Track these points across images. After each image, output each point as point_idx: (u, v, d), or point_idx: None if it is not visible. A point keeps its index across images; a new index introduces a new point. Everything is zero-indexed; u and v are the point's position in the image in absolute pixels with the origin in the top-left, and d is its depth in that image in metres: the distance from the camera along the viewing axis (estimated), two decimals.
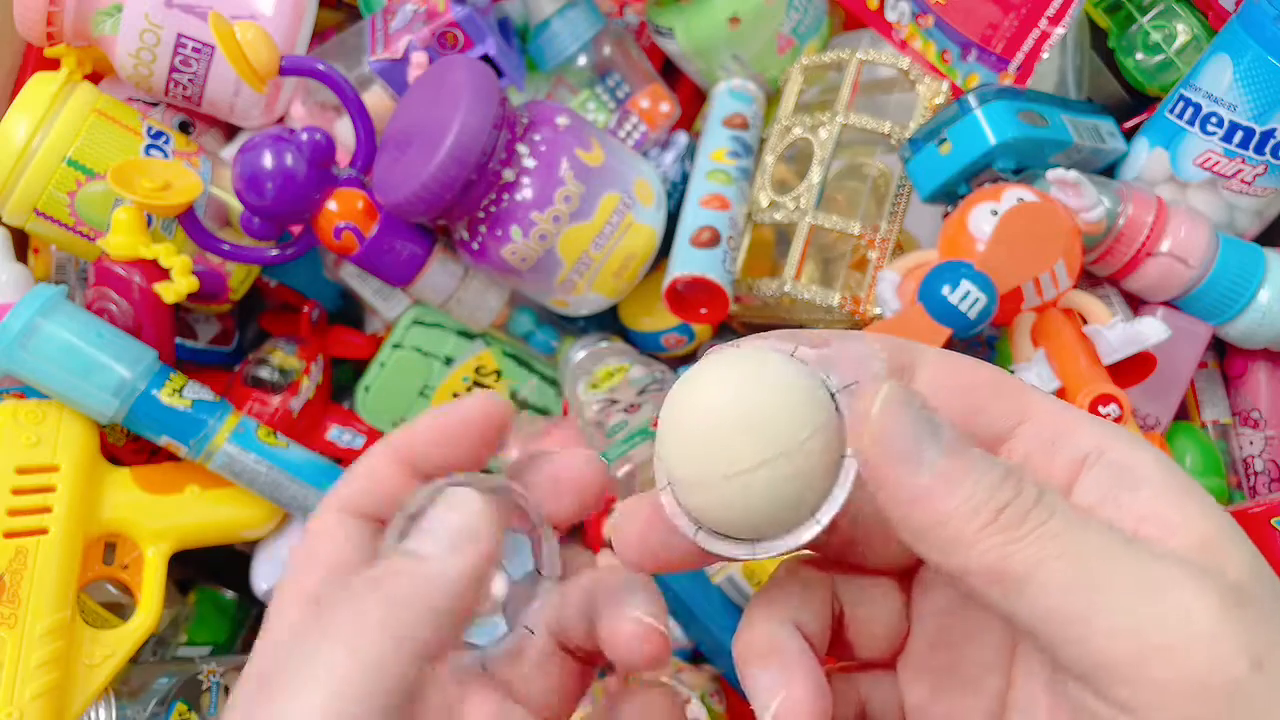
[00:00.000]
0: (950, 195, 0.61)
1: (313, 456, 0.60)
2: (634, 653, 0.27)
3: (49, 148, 0.56)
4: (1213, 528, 0.23)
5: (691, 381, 0.25)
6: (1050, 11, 0.61)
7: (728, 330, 0.68)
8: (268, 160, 0.55)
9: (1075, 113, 0.62)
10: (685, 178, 0.66)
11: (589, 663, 0.29)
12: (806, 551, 0.27)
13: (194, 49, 0.59)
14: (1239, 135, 0.59)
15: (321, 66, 0.57)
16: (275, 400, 0.62)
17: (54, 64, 0.60)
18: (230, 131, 0.68)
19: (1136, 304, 0.63)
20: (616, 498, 0.58)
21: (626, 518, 0.27)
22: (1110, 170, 0.66)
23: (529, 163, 0.57)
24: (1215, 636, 0.21)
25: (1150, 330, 0.55)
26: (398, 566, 0.25)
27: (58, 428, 0.56)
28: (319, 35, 0.68)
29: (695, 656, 0.62)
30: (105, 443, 0.59)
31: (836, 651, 0.29)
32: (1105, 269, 0.62)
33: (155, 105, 0.65)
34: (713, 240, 0.61)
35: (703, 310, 0.63)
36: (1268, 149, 0.59)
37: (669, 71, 0.71)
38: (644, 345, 0.67)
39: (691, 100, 0.70)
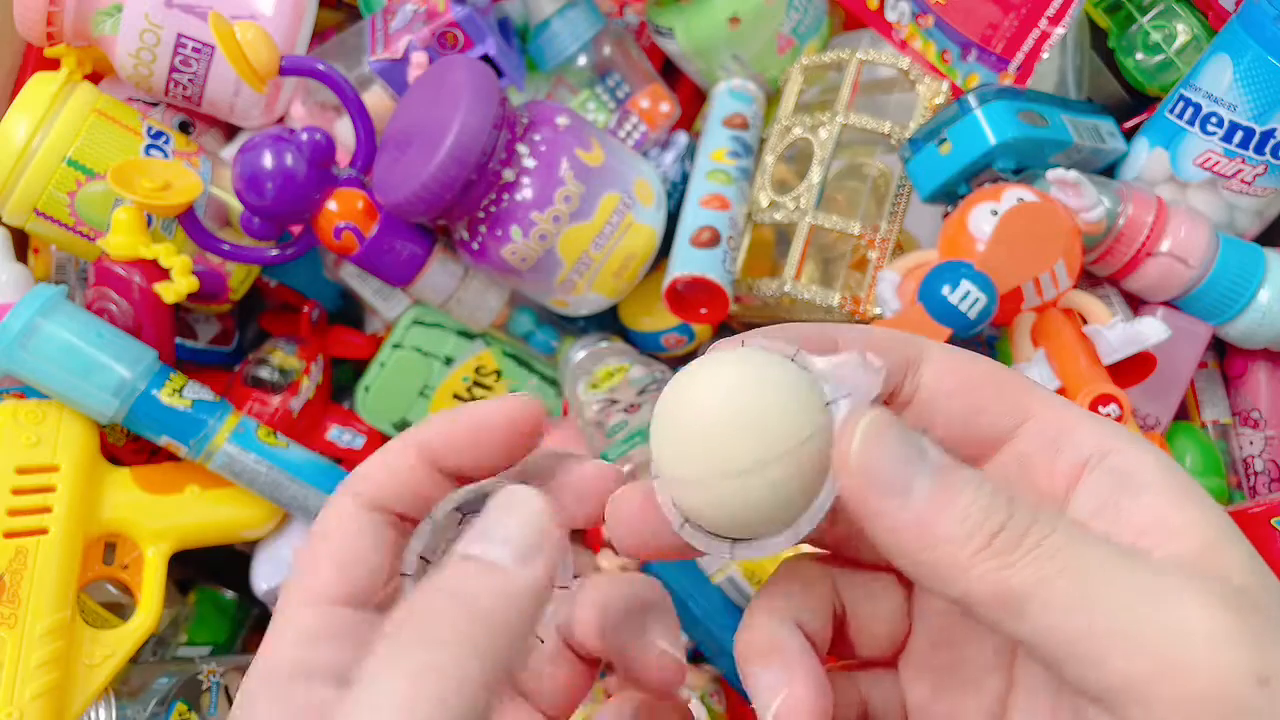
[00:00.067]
0: (950, 195, 0.61)
1: (313, 456, 0.60)
2: (655, 680, 0.27)
3: (49, 148, 0.56)
4: (1214, 532, 0.23)
5: (687, 379, 0.24)
6: (1050, 11, 0.61)
7: (728, 330, 0.68)
8: (268, 160, 0.55)
9: (1075, 113, 0.62)
10: (685, 178, 0.66)
11: (594, 663, 0.29)
12: (807, 547, 0.27)
13: (194, 49, 0.59)
14: (1239, 135, 0.59)
15: (321, 66, 0.57)
16: (275, 400, 0.62)
17: (54, 64, 0.60)
18: (230, 131, 0.68)
19: (1136, 304, 0.63)
20: None
21: (621, 504, 0.27)
22: (1110, 170, 0.66)
23: (529, 163, 0.57)
24: (1219, 652, 0.20)
25: (1150, 330, 0.55)
26: (467, 576, 0.23)
27: (58, 428, 0.56)
28: (319, 35, 0.68)
29: (695, 656, 0.62)
30: (105, 443, 0.59)
31: (838, 649, 0.29)
32: (1105, 269, 0.62)
33: (155, 105, 0.65)
34: (713, 240, 0.61)
35: (703, 310, 0.63)
36: (1268, 149, 0.59)
37: (669, 71, 0.71)
38: (644, 345, 0.67)
39: (691, 100, 0.70)
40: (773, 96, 0.69)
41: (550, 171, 0.57)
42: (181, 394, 0.57)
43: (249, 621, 0.69)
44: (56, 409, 0.56)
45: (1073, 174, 0.56)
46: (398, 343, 0.65)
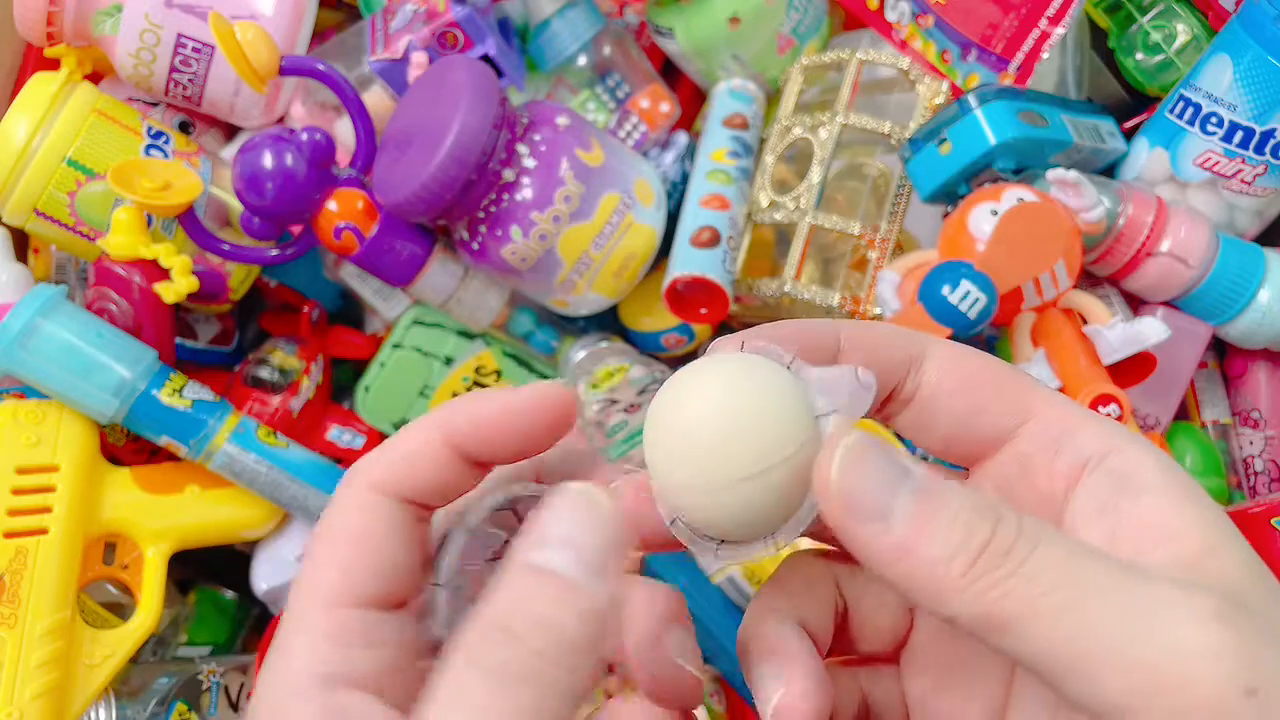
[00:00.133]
0: (950, 195, 0.61)
1: (313, 456, 0.60)
2: (675, 697, 0.26)
3: (49, 148, 0.56)
4: (1214, 535, 0.23)
5: (680, 385, 0.25)
6: (1050, 11, 0.61)
7: (728, 330, 0.67)
8: (268, 160, 0.55)
9: (1075, 113, 0.62)
10: (685, 178, 0.66)
11: (609, 668, 0.29)
12: (808, 543, 0.27)
13: (194, 49, 0.59)
14: (1239, 135, 0.59)
15: (321, 66, 0.57)
16: (275, 400, 0.62)
17: (54, 64, 0.60)
18: (230, 131, 0.68)
19: (1136, 304, 0.63)
20: None
21: (619, 495, 0.27)
22: (1110, 170, 0.66)
23: (529, 163, 0.57)
24: (1209, 665, 0.20)
25: (1150, 330, 0.55)
26: (537, 593, 0.21)
27: (58, 428, 0.56)
28: (319, 35, 0.68)
29: None
30: (105, 443, 0.59)
31: (840, 645, 0.29)
32: (1105, 269, 0.62)
33: (155, 105, 0.65)
34: (713, 240, 0.61)
35: (703, 310, 0.63)
36: (1268, 149, 0.59)
37: (669, 71, 0.71)
38: (644, 345, 0.67)
39: (691, 100, 0.70)
40: (773, 96, 0.69)
41: (550, 171, 0.57)
42: (181, 394, 0.57)
43: (249, 621, 0.69)
44: (56, 409, 0.56)
45: (1073, 174, 0.56)
46: (398, 343, 0.65)
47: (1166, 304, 0.62)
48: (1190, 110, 0.61)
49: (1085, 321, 0.57)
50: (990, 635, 0.22)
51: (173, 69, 0.60)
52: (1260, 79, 0.58)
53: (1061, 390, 0.54)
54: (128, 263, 0.57)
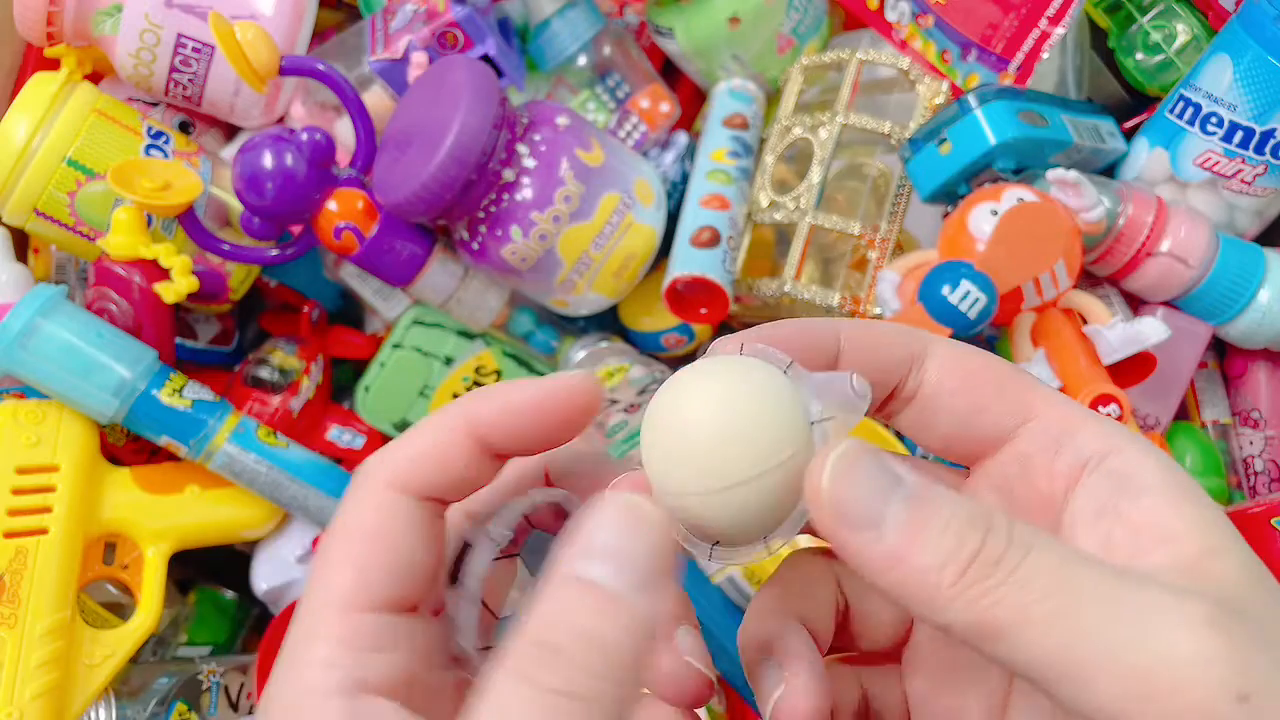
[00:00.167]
0: (950, 195, 0.61)
1: (313, 456, 0.60)
2: (682, 696, 0.26)
3: (49, 148, 0.56)
4: (1213, 537, 0.23)
5: (676, 389, 0.25)
6: (1050, 11, 0.61)
7: (728, 330, 0.68)
8: (268, 160, 0.55)
9: (1075, 113, 0.62)
10: (685, 178, 0.66)
11: None
12: (808, 541, 0.27)
13: (194, 49, 0.59)
14: (1239, 135, 0.59)
15: (321, 66, 0.57)
16: (275, 400, 0.62)
17: (54, 64, 0.60)
18: (230, 131, 0.68)
19: (1136, 304, 0.63)
20: None
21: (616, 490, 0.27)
22: (1110, 170, 0.66)
23: (529, 163, 0.57)
24: (1201, 671, 0.20)
25: (1150, 330, 0.55)
26: (584, 606, 0.20)
27: (58, 428, 0.56)
28: (319, 35, 0.68)
29: None
30: (105, 443, 0.59)
31: (841, 642, 0.29)
32: (1105, 269, 0.62)
33: (155, 105, 0.65)
34: (713, 240, 0.61)
35: (703, 310, 0.63)
36: (1268, 149, 0.59)
37: (669, 71, 0.71)
38: (644, 345, 0.67)
39: (691, 100, 0.70)
40: (773, 96, 0.69)
41: (550, 171, 0.57)
42: (181, 394, 0.57)
43: (249, 621, 0.69)
44: (56, 409, 0.56)
45: (1073, 174, 0.56)
46: (398, 343, 0.65)
47: (1166, 304, 0.62)
48: (1190, 110, 0.61)
49: (1085, 321, 0.57)
50: (984, 643, 0.21)
51: (173, 69, 0.60)
52: (1260, 79, 0.58)
53: (1061, 390, 0.54)
54: (128, 263, 0.57)
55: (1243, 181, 0.60)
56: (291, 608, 0.60)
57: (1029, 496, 0.25)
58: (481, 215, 0.58)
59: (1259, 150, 0.59)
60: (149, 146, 0.59)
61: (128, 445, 0.61)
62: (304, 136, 0.56)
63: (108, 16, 0.59)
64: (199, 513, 0.59)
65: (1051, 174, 0.57)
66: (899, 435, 0.61)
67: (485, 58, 0.60)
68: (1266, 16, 0.57)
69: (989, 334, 0.63)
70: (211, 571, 0.68)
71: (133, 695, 0.57)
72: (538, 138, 0.58)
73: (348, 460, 0.65)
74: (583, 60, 0.66)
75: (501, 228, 0.58)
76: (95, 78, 0.64)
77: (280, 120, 0.66)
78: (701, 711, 0.58)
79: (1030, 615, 0.21)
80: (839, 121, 0.62)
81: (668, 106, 0.67)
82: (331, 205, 0.57)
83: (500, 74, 0.60)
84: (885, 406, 0.27)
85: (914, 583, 0.22)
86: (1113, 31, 0.66)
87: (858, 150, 0.66)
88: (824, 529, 0.23)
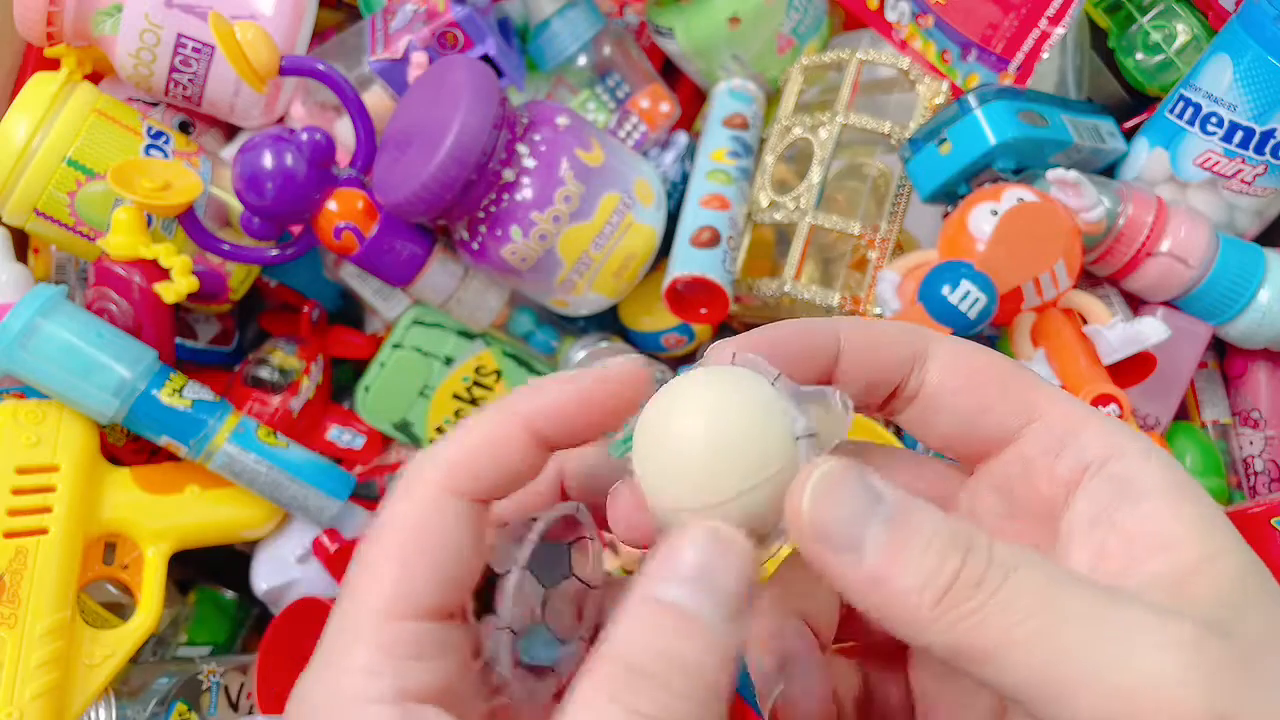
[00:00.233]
0: (950, 195, 0.61)
1: (313, 456, 0.60)
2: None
3: (49, 148, 0.56)
4: (1213, 542, 0.23)
5: (667, 399, 0.25)
6: (1050, 11, 0.61)
7: (728, 330, 0.68)
8: (268, 160, 0.55)
9: (1075, 113, 0.62)
10: (685, 178, 0.66)
11: None
12: None
13: (194, 49, 0.59)
14: (1239, 135, 0.59)
15: (321, 66, 0.57)
16: (275, 400, 0.62)
17: (54, 64, 0.60)
18: (230, 131, 0.68)
19: (1136, 304, 0.63)
20: None
21: (618, 498, 0.27)
22: (1110, 170, 0.66)
23: (529, 163, 0.57)
24: (1181, 692, 0.20)
25: (1150, 330, 0.55)
26: (673, 631, 0.21)
27: (58, 428, 0.56)
28: (319, 35, 0.68)
29: None
30: (105, 443, 0.59)
31: (846, 634, 0.29)
32: (1105, 269, 0.62)
33: (155, 105, 0.65)
34: (713, 240, 0.61)
35: (703, 310, 0.63)
36: (1268, 149, 0.59)
37: (669, 71, 0.71)
38: (644, 345, 0.67)
39: (691, 100, 0.70)
40: (773, 96, 0.69)
41: (550, 171, 0.57)
42: (181, 394, 0.57)
43: (249, 621, 0.69)
44: (56, 409, 0.56)
45: (1073, 174, 0.56)
46: (398, 343, 0.65)
47: (1166, 304, 0.62)
48: (1190, 110, 0.61)
49: (1085, 321, 0.57)
50: (967, 665, 0.21)
51: (173, 69, 0.60)
52: (1260, 79, 0.58)
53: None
54: (128, 263, 0.57)
55: (1243, 181, 0.60)
56: (292, 607, 0.60)
57: (1029, 499, 0.25)
58: (481, 215, 0.58)
59: (1259, 150, 0.59)
60: (149, 146, 0.59)
61: (128, 445, 0.61)
62: (304, 136, 0.56)
63: (108, 16, 0.59)
64: (199, 513, 0.59)
65: (1051, 174, 0.57)
66: (898, 431, 0.61)
67: (485, 58, 0.60)
68: (1266, 16, 0.57)
69: (989, 334, 0.63)
70: (211, 571, 0.68)
71: (133, 695, 0.57)
72: (538, 138, 0.58)
73: (348, 460, 0.65)
74: (583, 60, 0.66)
75: (501, 228, 0.58)
76: (95, 78, 0.64)
77: (280, 120, 0.66)
78: None
79: (1012, 637, 0.21)
80: (839, 121, 0.62)
81: (668, 106, 0.67)
82: (331, 205, 0.57)
83: (500, 74, 0.60)
84: (887, 405, 0.27)
85: (895, 605, 0.21)
86: (1113, 31, 0.66)
87: (858, 150, 0.66)
88: (805, 551, 0.23)
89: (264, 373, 0.63)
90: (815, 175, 0.62)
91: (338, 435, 0.65)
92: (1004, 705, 0.27)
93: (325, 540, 0.61)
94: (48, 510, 0.54)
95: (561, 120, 0.58)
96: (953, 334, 0.53)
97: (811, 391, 0.24)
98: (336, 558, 0.61)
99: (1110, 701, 0.20)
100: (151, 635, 0.57)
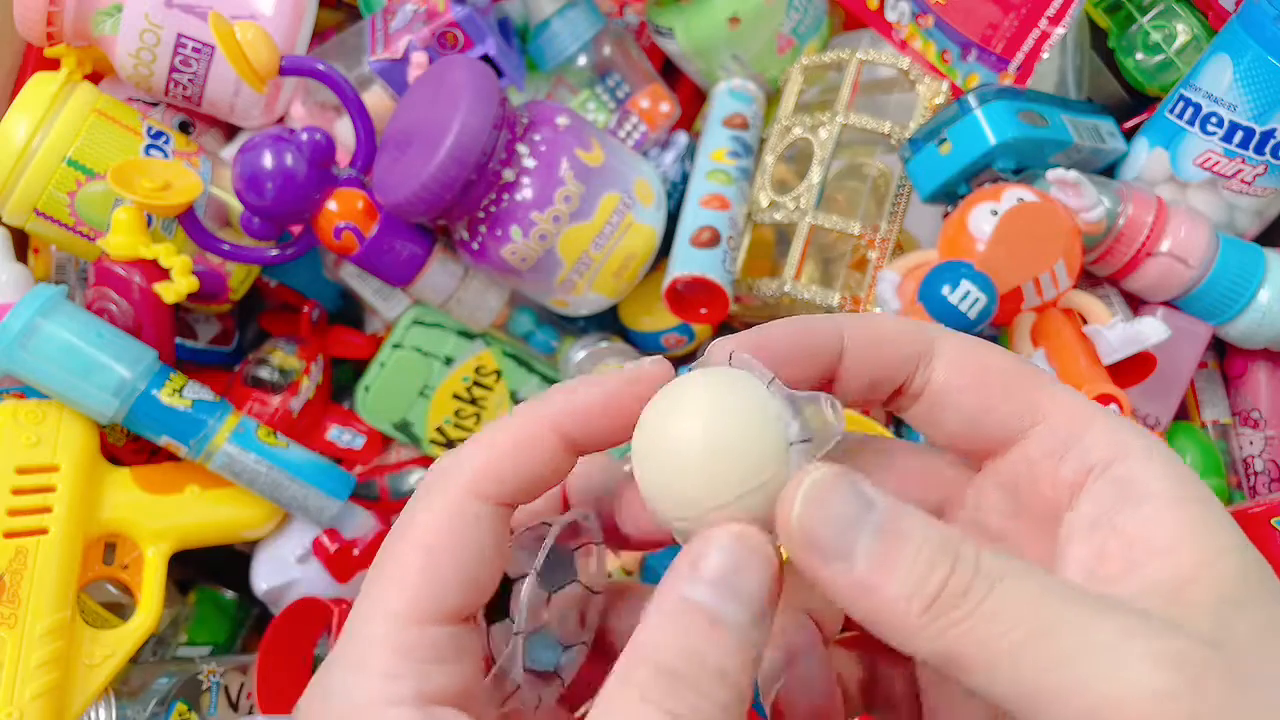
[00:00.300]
0: (950, 195, 0.61)
1: (313, 456, 0.60)
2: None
3: (49, 148, 0.56)
4: (1213, 544, 0.22)
5: (664, 402, 0.25)
6: (1050, 11, 0.61)
7: (728, 330, 0.67)
8: (268, 160, 0.55)
9: (1075, 113, 0.62)
10: (685, 178, 0.66)
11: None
12: None
13: (194, 49, 0.59)
14: (1239, 135, 0.59)
15: (321, 66, 0.57)
16: (275, 400, 0.62)
17: (54, 64, 0.60)
18: (230, 131, 0.68)
19: (1136, 304, 0.63)
20: None
21: (623, 498, 0.27)
22: (1110, 170, 0.66)
23: (529, 163, 0.57)
24: (1163, 704, 0.20)
25: (1150, 330, 0.55)
26: (699, 631, 0.21)
27: (58, 428, 0.56)
28: (319, 35, 0.68)
29: None
30: (105, 443, 0.59)
31: (851, 624, 0.29)
32: (1105, 269, 0.62)
33: (155, 105, 0.65)
34: (713, 240, 0.61)
35: (703, 310, 0.63)
36: (1268, 149, 0.59)
37: (669, 71, 0.71)
38: (644, 345, 0.67)
39: (691, 100, 0.70)
40: (773, 96, 0.69)
41: (550, 171, 0.57)
42: (181, 394, 0.57)
43: (249, 621, 0.69)
44: (56, 409, 0.56)
45: (1073, 174, 0.56)
46: (398, 343, 0.65)
47: (1166, 304, 0.62)
48: (1190, 110, 0.61)
49: (1085, 321, 0.57)
50: (957, 673, 0.21)
51: (173, 69, 0.60)
52: (1260, 79, 0.58)
53: None
54: (128, 263, 0.57)
55: (1243, 181, 0.60)
56: (292, 607, 0.60)
57: (1033, 500, 0.25)
58: (481, 215, 0.58)
59: (1259, 150, 0.59)
60: (149, 146, 0.59)
61: (128, 445, 0.61)
62: (304, 136, 0.56)
63: (108, 16, 0.59)
64: (199, 513, 0.59)
65: (1051, 174, 0.57)
66: (898, 428, 0.61)
67: (485, 58, 0.60)
68: (1266, 16, 0.57)
69: (989, 334, 0.63)
70: (211, 571, 0.68)
71: (133, 695, 0.57)
72: (538, 138, 0.58)
73: (348, 460, 0.65)
74: (583, 60, 0.66)
75: (501, 228, 0.58)
76: (95, 78, 0.64)
77: (280, 120, 0.66)
78: None
79: (998, 647, 0.21)
80: (839, 121, 0.62)
81: (668, 106, 0.67)
82: (331, 205, 0.57)
83: (500, 74, 0.60)
84: (892, 402, 0.27)
85: (885, 612, 0.21)
86: (1113, 31, 0.66)
87: (858, 150, 0.66)
88: (795, 558, 0.22)
89: (264, 373, 0.63)
90: (815, 175, 0.62)
91: (338, 435, 0.65)
92: None
93: (325, 540, 0.61)
94: (48, 510, 0.54)
95: (561, 120, 0.58)
96: None
97: (805, 396, 0.24)
98: (336, 558, 0.61)
99: (1096, 712, 0.20)
100: (151, 635, 0.57)
